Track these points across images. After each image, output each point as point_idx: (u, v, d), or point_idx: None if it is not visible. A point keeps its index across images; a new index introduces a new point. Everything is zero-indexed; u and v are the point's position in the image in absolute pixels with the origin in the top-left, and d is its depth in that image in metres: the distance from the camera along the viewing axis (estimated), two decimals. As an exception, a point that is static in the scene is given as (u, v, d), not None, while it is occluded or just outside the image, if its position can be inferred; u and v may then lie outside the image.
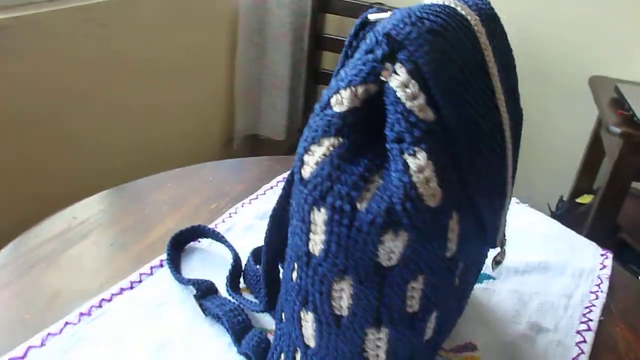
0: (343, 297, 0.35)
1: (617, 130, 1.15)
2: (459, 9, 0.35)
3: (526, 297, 0.59)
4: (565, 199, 1.55)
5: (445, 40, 0.32)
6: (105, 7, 1.10)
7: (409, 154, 0.31)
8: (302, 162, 0.33)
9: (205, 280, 0.53)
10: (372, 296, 0.34)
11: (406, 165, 0.31)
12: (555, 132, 1.61)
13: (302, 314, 0.37)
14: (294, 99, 1.70)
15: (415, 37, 0.31)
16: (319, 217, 0.33)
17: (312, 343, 0.38)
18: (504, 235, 0.45)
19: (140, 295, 0.53)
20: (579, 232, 0.71)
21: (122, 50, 1.18)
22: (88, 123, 1.17)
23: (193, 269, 0.57)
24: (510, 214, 0.70)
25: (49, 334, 0.47)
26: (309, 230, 0.33)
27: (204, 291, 0.52)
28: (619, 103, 1.26)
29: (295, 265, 0.36)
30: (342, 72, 0.33)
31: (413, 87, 0.31)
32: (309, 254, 0.34)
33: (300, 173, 0.33)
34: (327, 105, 0.33)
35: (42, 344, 0.46)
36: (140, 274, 0.55)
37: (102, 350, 0.47)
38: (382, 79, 0.32)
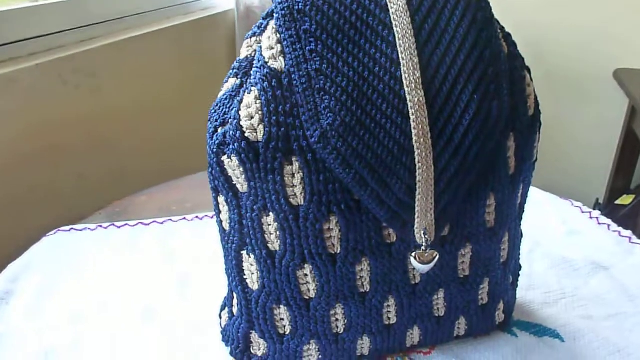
0: (222, 211, 0.42)
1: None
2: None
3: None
4: (601, 201, 1.47)
5: (309, 1, 0.35)
6: (91, 55, 0.98)
7: (247, 92, 0.36)
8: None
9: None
10: (235, 218, 0.40)
11: (241, 100, 0.36)
12: (583, 130, 1.56)
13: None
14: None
15: (279, -2, 0.36)
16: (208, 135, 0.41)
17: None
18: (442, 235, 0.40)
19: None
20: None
21: (116, 96, 1.05)
22: (88, 180, 1.01)
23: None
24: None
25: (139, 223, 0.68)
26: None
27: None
28: (656, 94, 1.17)
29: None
30: (253, 30, 0.40)
31: (271, 40, 0.36)
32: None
33: (216, 103, 0.42)
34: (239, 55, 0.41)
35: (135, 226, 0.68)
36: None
37: (165, 246, 0.64)
38: (266, 33, 0.38)
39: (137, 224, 0.67)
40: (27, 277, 0.59)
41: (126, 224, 0.67)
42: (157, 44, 1.15)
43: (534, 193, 0.73)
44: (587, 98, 1.52)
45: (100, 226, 0.66)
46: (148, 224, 0.67)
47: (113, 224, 0.67)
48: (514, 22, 1.55)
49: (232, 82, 0.40)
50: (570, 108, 1.55)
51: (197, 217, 0.69)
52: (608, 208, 1.33)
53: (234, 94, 0.39)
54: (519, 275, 0.50)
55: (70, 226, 0.66)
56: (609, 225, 0.65)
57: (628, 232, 0.64)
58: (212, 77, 1.31)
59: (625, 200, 1.29)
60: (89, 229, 0.66)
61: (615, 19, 1.43)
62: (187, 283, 0.58)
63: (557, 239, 0.64)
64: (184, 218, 0.68)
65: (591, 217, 0.67)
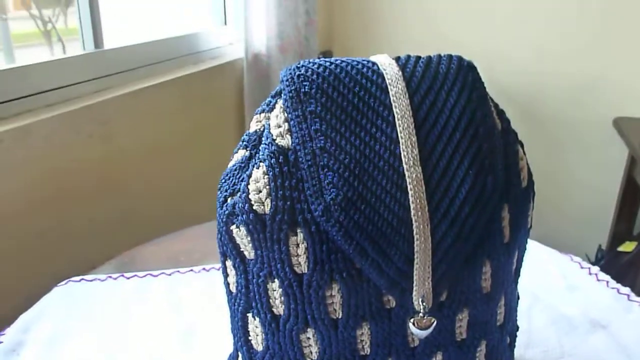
0: (230, 274, 0.44)
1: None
2: (380, 64, 0.40)
3: None
4: (604, 247, 1.47)
5: (314, 85, 0.38)
6: (105, 105, 1.02)
7: (256, 167, 0.39)
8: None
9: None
10: (241, 282, 0.42)
11: (250, 174, 0.39)
12: (584, 176, 1.60)
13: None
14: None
15: (286, 80, 0.39)
16: (218, 204, 0.43)
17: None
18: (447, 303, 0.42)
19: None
20: (629, 284, 0.65)
21: (128, 143, 1.10)
22: (98, 226, 1.03)
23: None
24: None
25: (149, 274, 0.70)
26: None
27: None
28: (657, 143, 1.24)
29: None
30: (264, 105, 0.43)
31: (279, 119, 0.39)
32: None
33: (226, 172, 0.45)
34: (249, 127, 0.43)
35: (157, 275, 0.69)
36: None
37: (172, 295, 0.66)
38: (275, 110, 0.41)
39: (145, 275, 0.69)
40: (38, 327, 0.61)
41: (135, 275, 0.69)
42: (168, 93, 1.18)
43: (533, 247, 0.74)
44: (588, 145, 1.56)
45: (110, 277, 0.68)
46: (156, 275, 0.69)
47: (122, 275, 0.69)
48: (516, 71, 1.60)
49: (242, 153, 0.43)
50: (571, 155, 1.58)
51: (204, 268, 0.71)
52: (610, 255, 1.34)
53: (243, 165, 0.42)
54: (516, 335, 0.52)
55: (81, 277, 0.68)
56: (607, 282, 0.67)
57: (626, 289, 0.65)
58: (221, 124, 1.39)
59: (628, 247, 1.30)
60: (98, 279, 0.68)
61: (614, 68, 1.48)
62: (194, 333, 0.60)
63: (556, 295, 0.66)
64: (192, 270, 0.70)
65: (590, 273, 0.69)
